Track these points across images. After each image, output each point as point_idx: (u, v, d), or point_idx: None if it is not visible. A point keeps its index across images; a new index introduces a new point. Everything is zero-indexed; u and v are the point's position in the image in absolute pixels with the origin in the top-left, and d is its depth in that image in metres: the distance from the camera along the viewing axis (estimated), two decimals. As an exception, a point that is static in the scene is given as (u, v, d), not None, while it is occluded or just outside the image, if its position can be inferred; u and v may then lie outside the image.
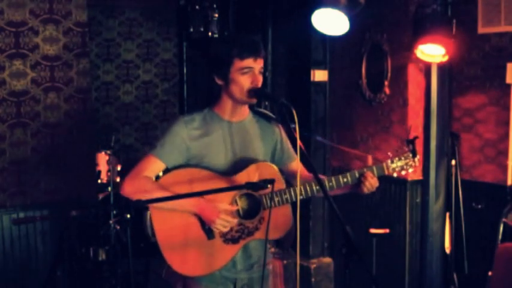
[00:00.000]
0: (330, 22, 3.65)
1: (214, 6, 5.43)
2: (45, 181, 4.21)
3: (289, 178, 2.56)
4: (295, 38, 4.76)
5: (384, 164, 2.49)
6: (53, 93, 4.21)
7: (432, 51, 3.61)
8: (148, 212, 4.17)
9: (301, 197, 2.42)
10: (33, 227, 4.16)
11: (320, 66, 4.63)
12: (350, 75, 4.42)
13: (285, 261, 4.42)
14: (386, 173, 2.49)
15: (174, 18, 6.50)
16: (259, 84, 2.38)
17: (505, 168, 3.67)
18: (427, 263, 3.98)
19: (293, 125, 2.19)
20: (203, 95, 6.11)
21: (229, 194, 2.39)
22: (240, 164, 2.43)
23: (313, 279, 4.59)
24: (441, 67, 3.83)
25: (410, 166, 2.53)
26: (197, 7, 5.42)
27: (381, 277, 3.97)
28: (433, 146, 3.89)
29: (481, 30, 3.73)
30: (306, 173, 2.38)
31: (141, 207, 2.39)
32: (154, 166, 2.40)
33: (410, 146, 2.52)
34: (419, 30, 3.58)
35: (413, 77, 3.93)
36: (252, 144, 2.49)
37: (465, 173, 3.93)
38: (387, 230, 3.84)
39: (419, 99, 3.94)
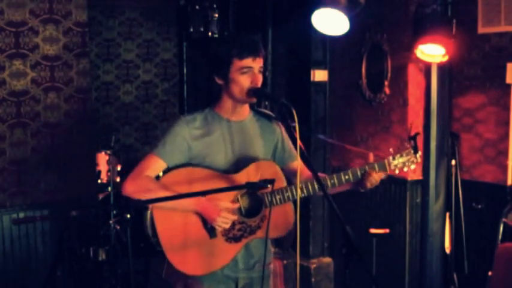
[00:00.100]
0: (330, 22, 3.65)
1: (214, 6, 5.43)
2: (45, 181, 4.21)
3: (290, 177, 2.56)
4: (295, 38, 4.76)
5: (386, 161, 2.47)
6: (53, 93, 4.21)
7: (432, 51, 3.61)
8: (149, 212, 4.17)
9: (303, 195, 2.43)
10: (33, 227, 4.16)
11: (320, 66, 4.63)
12: (350, 75, 4.42)
13: (285, 261, 4.43)
14: (388, 170, 2.46)
15: (174, 18, 6.50)
16: (259, 84, 2.39)
17: (505, 168, 3.67)
18: (427, 263, 3.98)
19: (293, 124, 2.19)
20: (203, 95, 6.11)
21: (231, 193, 2.40)
22: (241, 162, 2.44)
23: (313, 279, 4.59)
24: (441, 67, 3.83)
25: (412, 162, 2.51)
26: (197, 7, 5.42)
27: (381, 277, 3.97)
28: (433, 146, 3.89)
29: (481, 30, 3.73)
30: (307, 172, 2.38)
31: (141, 207, 2.40)
32: (155, 166, 2.41)
33: (412, 143, 2.51)
34: (419, 30, 3.58)
35: (413, 77, 3.93)
36: (252, 143, 2.50)
37: (465, 173, 3.93)
38: (387, 230, 3.84)
39: (419, 99, 3.94)
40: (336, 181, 2.44)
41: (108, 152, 4.67)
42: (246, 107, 2.52)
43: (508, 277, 3.08)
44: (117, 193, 4.24)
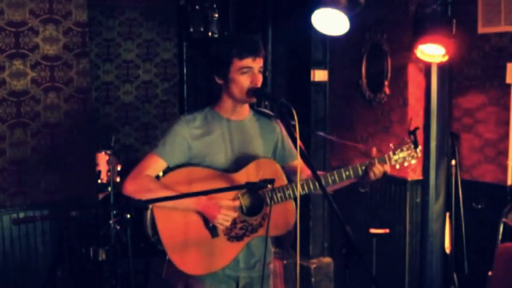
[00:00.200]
0: (330, 22, 3.65)
1: (214, 6, 5.43)
2: (45, 181, 4.21)
3: (291, 176, 2.56)
4: (295, 38, 4.76)
5: (386, 156, 2.46)
6: (53, 93, 4.21)
7: (432, 51, 3.61)
8: (149, 212, 4.17)
9: (304, 192, 2.43)
10: (33, 227, 4.16)
11: (320, 66, 4.63)
12: (350, 75, 4.42)
13: (285, 261, 4.43)
14: (388, 164, 2.45)
15: (174, 18, 6.50)
16: (259, 84, 2.39)
17: (505, 168, 3.67)
18: (427, 263, 3.98)
19: (293, 122, 2.19)
20: (203, 95, 6.12)
21: (232, 192, 2.40)
22: (241, 161, 2.44)
23: (313, 279, 4.59)
24: (441, 67, 3.83)
25: (413, 157, 2.50)
26: (197, 7, 5.43)
27: (381, 277, 3.97)
28: (433, 146, 3.89)
29: (481, 30, 3.73)
30: (307, 170, 2.39)
31: (141, 207, 2.40)
32: (156, 165, 2.41)
33: (412, 137, 2.51)
34: (419, 30, 3.58)
35: (413, 77, 3.93)
36: (252, 143, 2.50)
37: (465, 173, 3.93)
38: (387, 230, 3.84)
39: (419, 99, 3.94)
40: (336, 177, 2.44)
41: (108, 152, 4.67)
42: (246, 106, 2.53)
43: (508, 277, 3.08)
44: (117, 193, 4.25)
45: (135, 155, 6.43)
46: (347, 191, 2.55)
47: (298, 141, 2.21)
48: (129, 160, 5.59)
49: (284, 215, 2.46)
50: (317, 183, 2.36)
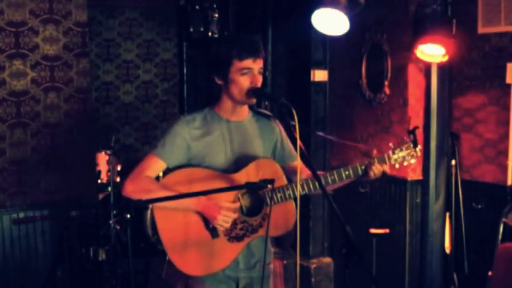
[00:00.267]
0: (330, 22, 3.65)
1: (214, 6, 5.43)
2: (45, 181, 4.21)
3: (291, 176, 2.56)
4: (295, 38, 4.76)
5: (386, 155, 2.47)
6: (53, 93, 4.21)
7: (432, 51, 3.61)
8: (149, 212, 4.16)
9: (304, 192, 2.43)
10: (33, 227, 4.16)
11: (320, 66, 4.63)
12: (350, 75, 4.42)
13: (285, 261, 4.42)
14: (388, 164, 2.45)
15: (174, 18, 6.50)
16: (259, 85, 2.39)
17: (505, 168, 3.67)
18: (427, 263, 3.98)
19: (293, 122, 2.19)
20: (203, 95, 6.12)
21: (231, 192, 2.40)
22: (241, 162, 2.44)
23: (313, 279, 4.59)
24: (441, 67, 3.83)
25: (412, 156, 2.51)
26: (197, 7, 5.42)
27: (381, 277, 3.97)
28: (433, 146, 3.89)
29: (481, 30, 3.73)
30: (306, 171, 2.39)
31: (141, 207, 2.40)
32: (155, 166, 2.41)
33: (411, 136, 2.51)
34: (419, 30, 3.58)
35: (413, 77, 3.93)
36: (251, 143, 2.50)
37: (465, 173, 3.93)
38: (387, 230, 3.84)
39: (419, 99, 3.94)
40: (336, 177, 2.44)
41: (108, 152, 4.67)
42: (245, 107, 2.53)
43: (508, 277, 3.08)
44: (117, 193, 4.25)
45: (135, 155, 6.43)
46: (347, 191, 2.56)
47: (298, 141, 2.21)
48: (129, 160, 5.59)
49: (284, 215, 2.46)
50: (317, 183, 2.35)
